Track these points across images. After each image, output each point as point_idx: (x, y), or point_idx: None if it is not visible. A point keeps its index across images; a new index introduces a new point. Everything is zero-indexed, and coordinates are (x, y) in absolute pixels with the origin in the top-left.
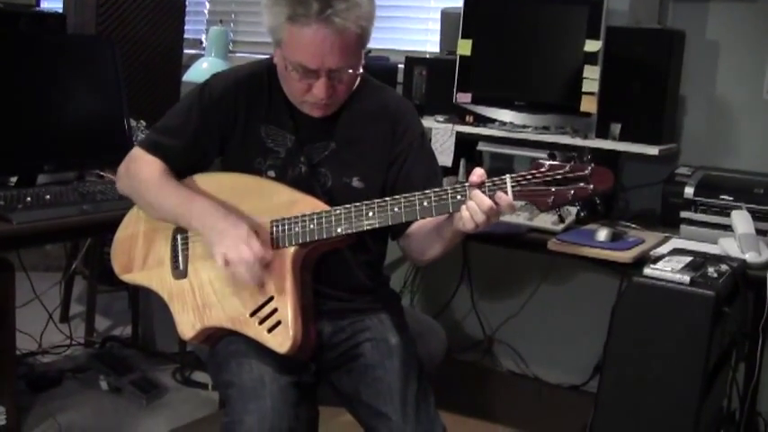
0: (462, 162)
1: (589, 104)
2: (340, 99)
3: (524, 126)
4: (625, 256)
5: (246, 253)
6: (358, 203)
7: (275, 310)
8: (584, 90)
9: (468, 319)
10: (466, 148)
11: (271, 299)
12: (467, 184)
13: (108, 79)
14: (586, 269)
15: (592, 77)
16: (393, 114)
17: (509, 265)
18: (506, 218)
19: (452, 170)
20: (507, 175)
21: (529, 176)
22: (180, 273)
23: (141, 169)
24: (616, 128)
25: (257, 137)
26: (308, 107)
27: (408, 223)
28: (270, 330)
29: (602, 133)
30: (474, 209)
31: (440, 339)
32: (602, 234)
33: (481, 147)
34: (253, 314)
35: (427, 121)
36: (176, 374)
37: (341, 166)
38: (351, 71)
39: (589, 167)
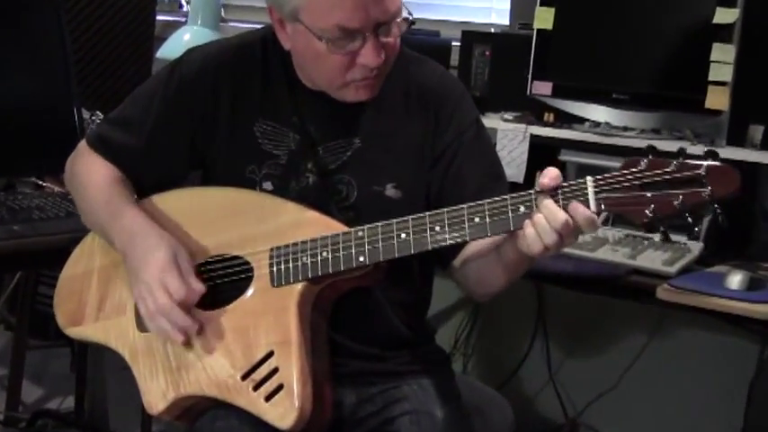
0: (538, 176)
1: (718, 99)
2: (387, 69)
3: (625, 128)
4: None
5: (161, 300)
6: (385, 222)
7: (275, 371)
8: (711, 78)
9: (543, 394)
10: (543, 158)
11: (270, 354)
12: (534, 190)
13: (51, 53)
14: (711, 328)
15: (724, 61)
16: (436, 95)
17: (601, 320)
18: (600, 254)
19: (525, 187)
20: (588, 178)
21: (616, 177)
22: None
23: (85, 169)
24: (757, 131)
25: (249, 136)
26: (352, 91)
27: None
28: (268, 398)
29: (737, 139)
30: (542, 225)
31: (504, 418)
32: (736, 280)
33: (564, 156)
34: (245, 376)
35: (490, 120)
36: None
37: (369, 171)
38: (399, 20)
39: (704, 164)
